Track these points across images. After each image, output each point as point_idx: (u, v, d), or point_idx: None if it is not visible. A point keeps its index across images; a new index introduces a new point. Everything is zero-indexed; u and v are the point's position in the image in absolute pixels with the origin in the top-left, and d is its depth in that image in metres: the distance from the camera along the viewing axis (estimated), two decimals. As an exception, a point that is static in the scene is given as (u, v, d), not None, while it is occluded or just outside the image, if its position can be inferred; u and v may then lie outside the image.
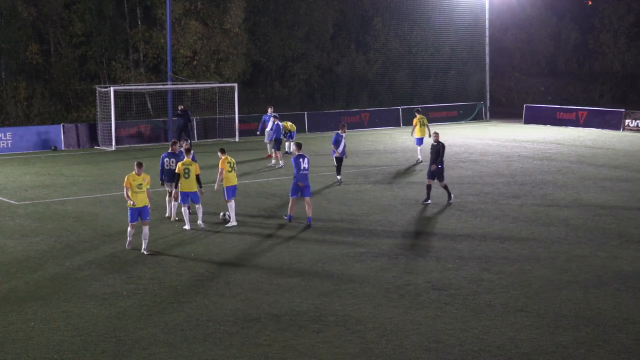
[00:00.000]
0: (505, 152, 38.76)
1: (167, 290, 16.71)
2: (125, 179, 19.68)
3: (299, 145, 23.46)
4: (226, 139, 44.98)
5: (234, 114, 45.70)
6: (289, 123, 39.22)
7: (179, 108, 41.08)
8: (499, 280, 17.19)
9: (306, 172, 22.69)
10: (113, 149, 40.57)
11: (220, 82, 50.00)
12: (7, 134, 41.19)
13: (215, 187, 23.18)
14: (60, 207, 25.93)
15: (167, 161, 23.28)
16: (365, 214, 24.13)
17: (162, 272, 18.03)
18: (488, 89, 59.10)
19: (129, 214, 19.77)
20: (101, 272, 18.11)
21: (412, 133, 36.74)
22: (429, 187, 25.87)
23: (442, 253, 19.52)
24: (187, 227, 22.14)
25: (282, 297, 16.08)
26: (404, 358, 13.09)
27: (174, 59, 48.60)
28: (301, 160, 22.64)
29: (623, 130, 48.37)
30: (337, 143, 29.87)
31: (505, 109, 59.98)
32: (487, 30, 58.58)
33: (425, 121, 36.49)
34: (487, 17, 58.36)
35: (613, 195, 27.19)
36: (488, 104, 58.71)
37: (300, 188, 22.59)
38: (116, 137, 41.76)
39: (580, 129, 49.42)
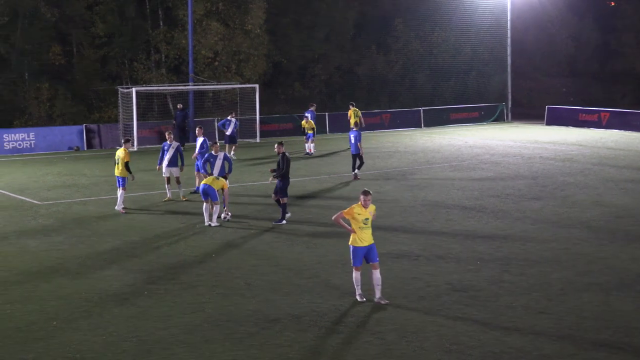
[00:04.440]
0: (527, 153, 38.59)
1: (187, 290, 16.75)
2: (348, 209, 15.75)
3: (201, 128, 28.84)
4: (247, 140, 45.07)
5: (255, 114, 45.81)
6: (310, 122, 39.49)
7: (178, 106, 42.17)
8: (520, 282, 17.10)
9: (203, 150, 27.24)
10: (134, 149, 40.72)
11: (241, 83, 50.14)
12: (30, 134, 41.51)
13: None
14: (82, 207, 26.08)
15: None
16: (386, 215, 24.07)
17: (183, 273, 18.07)
18: (510, 90, 58.86)
19: (351, 254, 15.76)
20: (122, 272, 18.18)
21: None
22: (281, 204, 23.23)
23: (463, 255, 19.45)
24: (208, 223, 22.80)
25: (302, 298, 16.07)
26: (424, 360, 13.06)
27: (195, 60, 48.77)
28: (203, 141, 27.62)
29: (646, 131, 48.04)
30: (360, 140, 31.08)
31: (526, 110, 59.71)
32: (509, 31, 58.33)
33: (359, 113, 41.31)
34: (509, 17, 58.12)
35: (635, 197, 26.99)
36: (509, 105, 58.47)
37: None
38: (138, 137, 41.96)
39: (603, 130, 49.09)
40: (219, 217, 23.19)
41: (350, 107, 42.15)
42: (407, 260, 18.90)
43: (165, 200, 26.64)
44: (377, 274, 15.57)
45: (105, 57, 51.53)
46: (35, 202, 27.07)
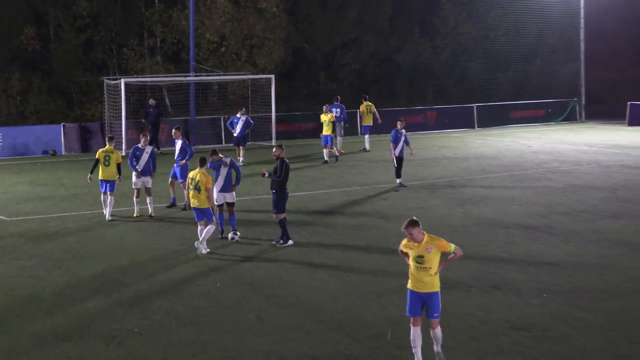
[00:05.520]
0: (605, 160, 38.41)
1: (187, 327, 16.77)
2: (403, 241, 14.60)
3: (178, 129, 29.04)
4: (260, 143, 45.13)
5: (270, 112, 45.87)
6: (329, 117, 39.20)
7: (150, 102, 42.30)
8: (595, 320, 16.99)
9: (179, 157, 28.01)
10: (123, 154, 40.74)
11: (253, 74, 50.25)
12: (-3, 135, 41.80)
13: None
14: (60, 224, 26.21)
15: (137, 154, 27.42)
16: (430, 236, 23.99)
17: (182, 305, 18.09)
18: (583, 82, 58.59)
19: (408, 302, 14.53)
20: (108, 304, 18.22)
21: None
22: (279, 221, 23.17)
23: (525, 285, 19.35)
24: (203, 251, 22.26)
25: (327, 338, 16.04)
26: (477, 415, 12.99)
27: (197, 46, 48.99)
28: (183, 144, 28.11)
29: None
30: (396, 141, 31.32)
31: (604, 108, 59.45)
32: (582, 10, 58.13)
33: (373, 108, 42.60)
34: (582, -7, 57.97)
35: None
36: (583, 101, 58.25)
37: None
38: (127, 139, 42.11)
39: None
40: (233, 234, 23.32)
41: (363, 100, 43.37)
42: (456, 292, 18.83)
43: (135, 216, 27.05)
44: (437, 333, 14.45)
45: (89, 42, 51.83)
46: (2, 218, 27.23)
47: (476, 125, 53.09)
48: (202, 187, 22.21)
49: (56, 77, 50.46)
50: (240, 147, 38.18)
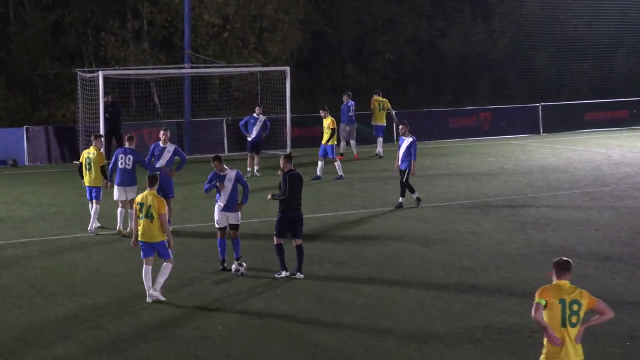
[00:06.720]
0: None
1: (179, 380, 16.81)
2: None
3: (167, 130, 29.09)
4: (272, 151, 45.14)
5: (285, 112, 45.83)
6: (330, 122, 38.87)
7: (106, 99, 41.98)
8: (692, 375, 16.97)
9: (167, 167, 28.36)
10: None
11: (263, 65, 50.27)
12: (-58, 141, 41.96)
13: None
14: (22, 251, 26.25)
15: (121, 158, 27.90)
16: (483, 267, 23.97)
17: (174, 353, 18.08)
18: (679, 77, 58.50)
19: None
20: (81, 351, 18.21)
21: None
22: (279, 249, 23.40)
23: (603, 330, 19.27)
24: (150, 297, 21.37)
25: (354, 395, 16.05)
26: None
27: (194, 30, 49.03)
28: (175, 150, 28.49)
29: None
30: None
31: None
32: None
33: (387, 105, 43.95)
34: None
35: None
36: (679, 101, 58.12)
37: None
38: (106, 146, 42.16)
39: None
40: (238, 265, 23.30)
41: (375, 95, 44.27)
42: (516, 340, 18.77)
43: (122, 234, 27.73)
44: None
45: (59, 24, 51.87)
46: (-49, 243, 27.40)
47: (542, 130, 52.95)
48: (154, 213, 21.13)
49: (17, 68, 50.54)
50: (255, 154, 38.30)
